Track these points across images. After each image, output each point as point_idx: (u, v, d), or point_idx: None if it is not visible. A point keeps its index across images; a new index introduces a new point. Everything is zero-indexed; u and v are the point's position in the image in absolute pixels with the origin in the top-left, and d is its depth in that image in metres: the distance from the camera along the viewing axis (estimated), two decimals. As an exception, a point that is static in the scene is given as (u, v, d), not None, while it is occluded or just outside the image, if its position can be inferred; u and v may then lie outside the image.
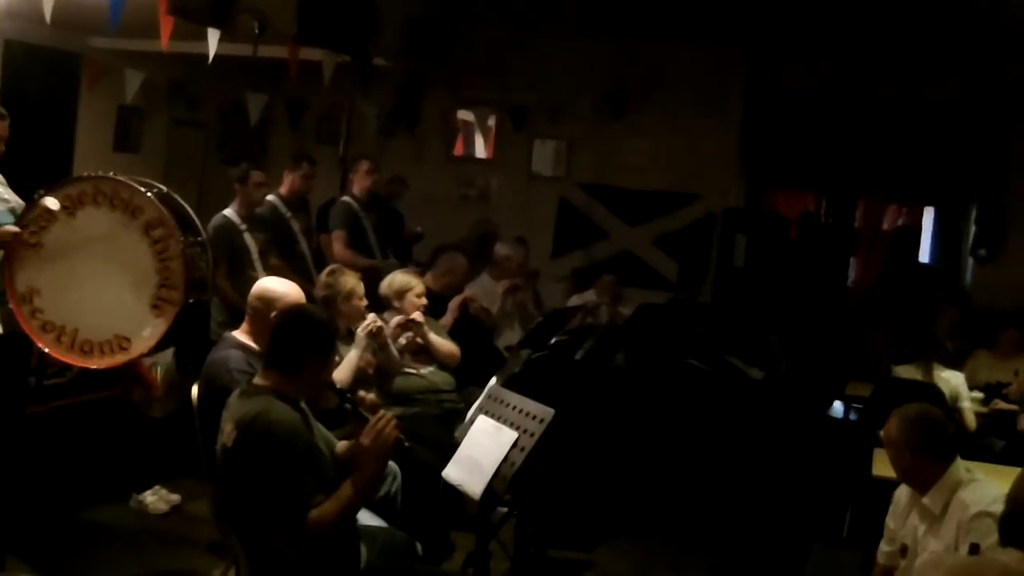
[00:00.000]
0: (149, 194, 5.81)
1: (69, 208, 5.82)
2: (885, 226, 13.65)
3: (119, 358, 5.89)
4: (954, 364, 8.38)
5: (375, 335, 6.52)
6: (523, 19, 11.68)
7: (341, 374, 5.98)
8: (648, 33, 11.68)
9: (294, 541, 4.14)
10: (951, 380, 7.91)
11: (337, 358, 5.93)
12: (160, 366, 7.00)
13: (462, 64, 12.12)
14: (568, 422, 5.36)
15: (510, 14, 11.54)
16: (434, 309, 7.87)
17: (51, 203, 5.78)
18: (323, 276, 6.79)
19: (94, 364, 5.92)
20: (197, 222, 6.12)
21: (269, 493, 4.12)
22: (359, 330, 6.43)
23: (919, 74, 11.26)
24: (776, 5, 9.99)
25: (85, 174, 5.96)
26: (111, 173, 5.92)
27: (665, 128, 12.15)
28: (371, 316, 6.60)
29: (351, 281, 6.67)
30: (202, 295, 6.15)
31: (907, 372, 8.04)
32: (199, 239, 6.02)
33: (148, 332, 5.82)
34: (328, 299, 6.61)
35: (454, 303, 8.28)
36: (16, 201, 6.14)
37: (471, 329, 8.31)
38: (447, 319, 8.11)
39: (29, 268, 5.84)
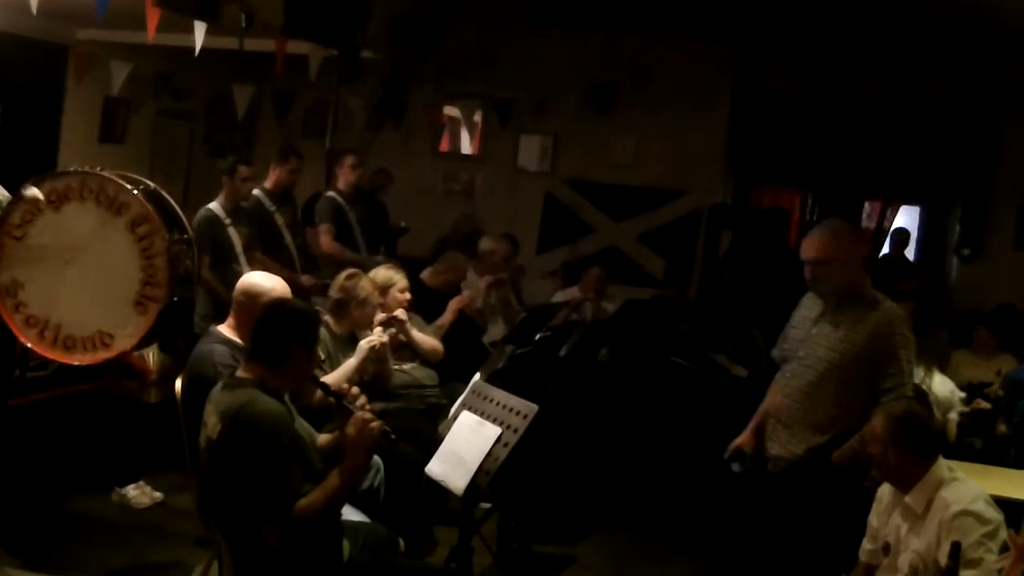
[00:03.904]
0: (135, 191, 5.80)
1: (55, 203, 5.81)
2: (871, 224, 13.64)
3: (102, 354, 5.90)
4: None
5: (377, 349, 6.52)
6: (510, 13, 11.66)
7: (334, 379, 5.95)
8: (635, 28, 11.67)
9: (281, 531, 4.15)
10: (944, 387, 7.91)
11: (322, 354, 5.93)
12: (153, 350, 6.98)
13: (448, 58, 12.11)
14: (552, 418, 5.38)
15: (496, 8, 11.52)
16: (432, 305, 7.88)
17: (34, 192, 5.77)
18: (340, 279, 6.73)
19: (77, 360, 5.93)
20: (184, 219, 6.11)
21: (256, 484, 4.13)
22: (363, 342, 6.41)
23: (905, 73, 11.30)
24: (764, 2, 9.99)
25: (72, 168, 5.96)
26: (99, 168, 5.91)
27: (652, 124, 12.12)
28: (377, 330, 6.59)
29: (368, 288, 6.67)
30: (187, 293, 6.15)
31: None
32: (185, 236, 6.02)
33: (131, 329, 5.83)
34: (341, 302, 6.61)
35: (454, 304, 8.28)
36: (2, 193, 6.13)
37: (463, 327, 8.33)
38: (446, 318, 8.12)
39: (13, 261, 5.83)
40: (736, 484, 5.79)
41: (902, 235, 12.44)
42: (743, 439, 5.71)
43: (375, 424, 4.30)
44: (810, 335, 5.47)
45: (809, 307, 5.61)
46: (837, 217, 5.93)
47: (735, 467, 5.66)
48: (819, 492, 5.30)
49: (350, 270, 6.90)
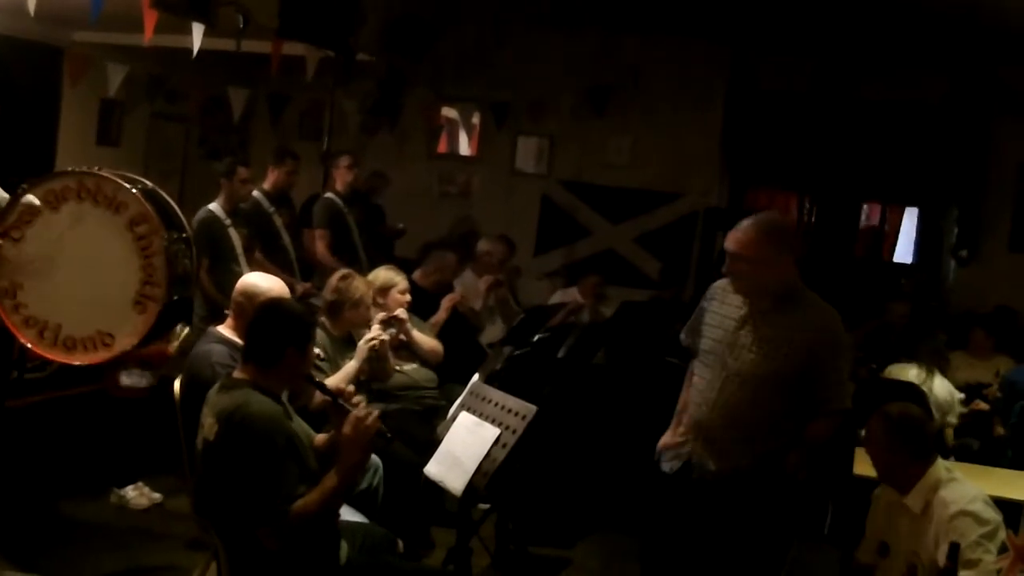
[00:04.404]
0: (134, 190, 5.79)
1: (52, 203, 5.80)
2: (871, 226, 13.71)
3: (102, 354, 5.89)
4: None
5: (377, 349, 6.51)
6: (505, 15, 11.66)
7: (335, 381, 5.94)
8: (630, 30, 11.68)
9: (277, 532, 4.14)
10: (944, 389, 7.88)
11: (319, 352, 5.91)
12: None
13: (444, 60, 12.10)
14: (550, 419, 5.37)
15: (492, 10, 11.52)
16: (424, 306, 7.87)
17: (30, 199, 5.76)
18: (334, 280, 6.72)
19: (77, 360, 5.91)
20: (182, 218, 6.10)
21: (252, 485, 4.13)
22: (362, 342, 6.40)
23: (900, 75, 11.30)
24: (759, 4, 9.99)
25: (70, 169, 5.95)
26: (96, 168, 5.89)
27: (647, 126, 12.11)
28: (375, 328, 6.57)
29: (362, 288, 6.65)
30: (185, 292, 6.13)
31: (904, 372, 7.98)
32: (183, 235, 6.00)
33: (131, 329, 5.81)
34: (336, 304, 6.59)
35: (447, 302, 8.28)
36: (0, 194, 6.13)
37: (458, 327, 8.33)
38: (439, 317, 8.12)
39: (11, 261, 5.82)
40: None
41: (876, 237, 12.55)
42: (670, 439, 5.39)
43: (371, 421, 4.30)
44: (738, 340, 5.03)
45: (729, 302, 5.16)
46: (773, 212, 5.53)
47: (666, 467, 5.34)
48: (768, 495, 4.99)
49: (343, 271, 6.89)
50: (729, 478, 5.03)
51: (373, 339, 6.40)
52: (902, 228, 13.44)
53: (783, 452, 4.93)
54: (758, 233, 4.99)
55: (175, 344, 6.91)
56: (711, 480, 5.09)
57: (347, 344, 6.53)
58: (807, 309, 4.97)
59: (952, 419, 7.88)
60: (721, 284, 5.23)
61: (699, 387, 5.18)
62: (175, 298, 5.91)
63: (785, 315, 4.94)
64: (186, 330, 6.96)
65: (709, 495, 5.09)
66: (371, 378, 6.63)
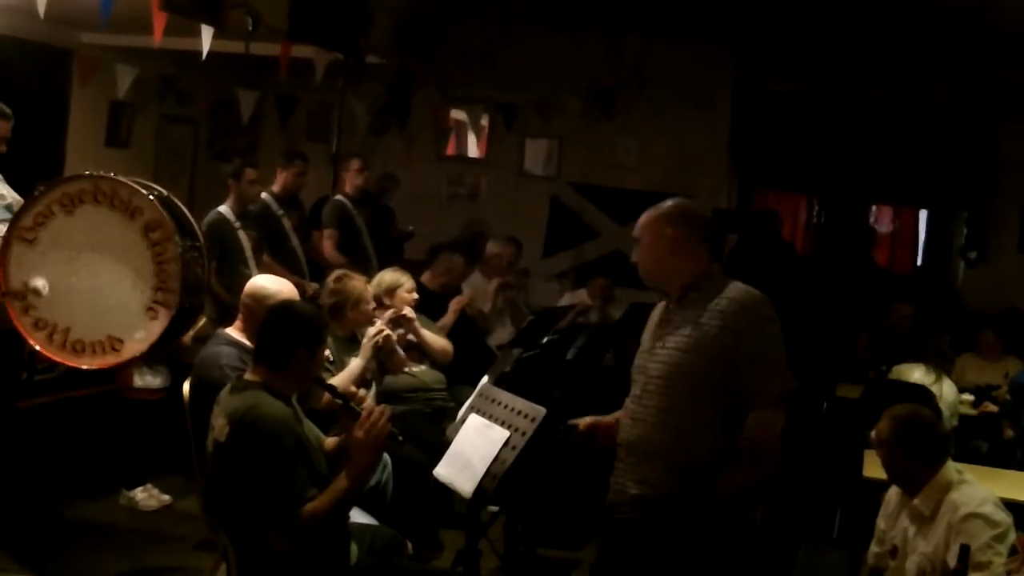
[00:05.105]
0: (150, 196, 5.78)
1: (68, 206, 5.79)
2: (882, 228, 13.71)
3: (110, 359, 5.86)
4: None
5: (382, 345, 6.50)
6: (513, 17, 11.66)
7: (340, 381, 5.90)
8: (637, 31, 11.68)
9: (287, 535, 4.15)
10: (952, 392, 7.84)
11: (329, 355, 5.92)
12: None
13: (452, 62, 12.10)
14: (559, 421, 5.37)
15: (500, 12, 11.52)
16: (432, 308, 7.87)
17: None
18: (330, 283, 6.69)
19: (85, 364, 5.88)
20: (195, 226, 6.08)
21: (262, 487, 4.14)
22: (365, 340, 6.39)
23: (905, 76, 11.31)
24: (766, 4, 9.99)
25: (86, 172, 5.93)
26: (112, 173, 5.89)
27: (653, 126, 12.12)
28: (378, 324, 6.55)
29: (359, 286, 6.63)
30: (197, 300, 6.12)
31: (910, 373, 7.95)
32: (196, 243, 5.99)
33: (141, 335, 5.79)
34: (337, 305, 6.56)
35: (455, 303, 8.28)
36: (13, 197, 6.14)
37: (467, 329, 8.33)
38: (448, 319, 8.12)
39: (24, 263, 5.82)
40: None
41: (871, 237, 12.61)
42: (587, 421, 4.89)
43: (383, 424, 4.30)
44: (655, 344, 4.52)
45: (653, 317, 4.74)
46: (682, 199, 4.86)
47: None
48: (702, 532, 4.30)
49: (338, 272, 6.87)
50: (655, 505, 4.42)
51: (376, 336, 6.39)
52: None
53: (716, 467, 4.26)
54: (657, 214, 4.61)
55: (189, 334, 6.89)
56: (635, 507, 4.54)
57: (351, 343, 6.51)
58: (721, 290, 4.37)
59: (954, 420, 7.87)
60: (656, 308, 4.81)
61: (626, 408, 4.66)
62: (186, 305, 5.90)
63: (694, 302, 4.40)
64: (202, 320, 6.96)
65: (635, 528, 4.57)
66: (383, 372, 6.63)
